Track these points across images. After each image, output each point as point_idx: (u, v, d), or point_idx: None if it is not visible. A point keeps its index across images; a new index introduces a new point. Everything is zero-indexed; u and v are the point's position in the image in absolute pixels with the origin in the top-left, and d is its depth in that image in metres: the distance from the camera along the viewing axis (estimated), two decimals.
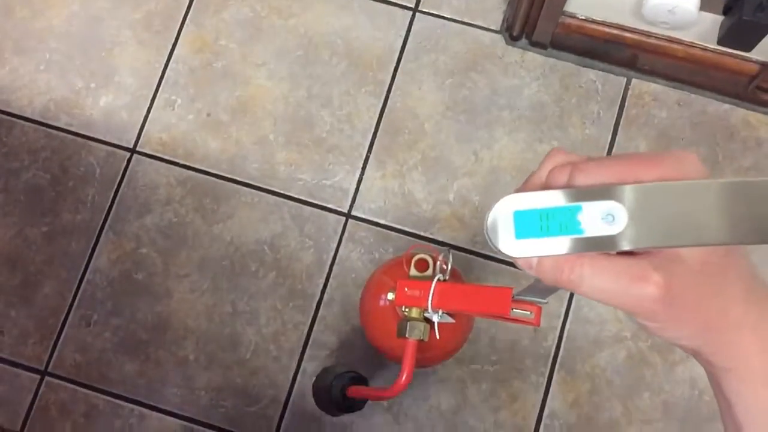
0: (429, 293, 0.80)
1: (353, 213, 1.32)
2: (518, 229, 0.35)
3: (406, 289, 0.83)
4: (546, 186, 0.37)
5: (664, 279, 0.33)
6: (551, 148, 0.38)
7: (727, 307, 0.36)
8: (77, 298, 1.31)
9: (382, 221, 1.31)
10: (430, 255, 0.90)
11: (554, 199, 0.34)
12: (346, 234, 1.31)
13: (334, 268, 1.30)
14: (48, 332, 1.30)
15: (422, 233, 1.31)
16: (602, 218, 0.33)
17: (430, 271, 0.89)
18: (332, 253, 1.31)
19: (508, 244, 0.35)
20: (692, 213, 0.33)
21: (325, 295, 1.29)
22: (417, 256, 0.91)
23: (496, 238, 0.35)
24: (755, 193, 0.33)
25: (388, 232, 1.31)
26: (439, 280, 0.82)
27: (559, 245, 0.34)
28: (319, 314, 1.29)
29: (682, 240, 0.33)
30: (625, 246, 0.33)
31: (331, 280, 1.30)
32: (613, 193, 0.33)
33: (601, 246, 0.33)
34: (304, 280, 1.30)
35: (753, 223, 0.32)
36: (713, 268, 0.35)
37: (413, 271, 0.91)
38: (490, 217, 0.35)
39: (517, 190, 0.37)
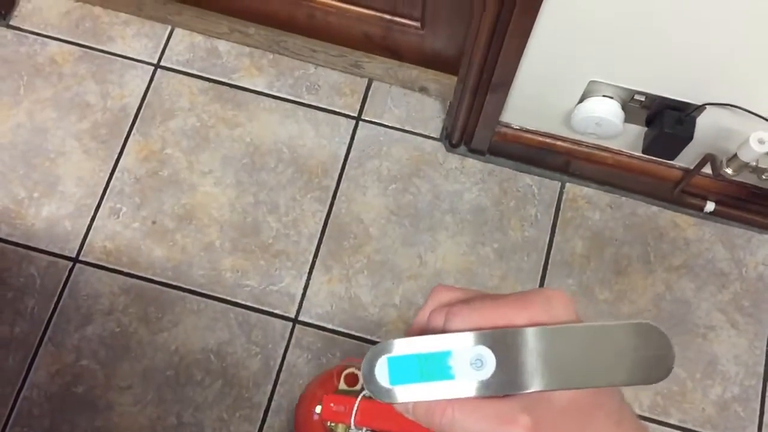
0: (353, 410, 0.79)
1: (300, 318, 1.32)
2: (393, 375, 0.35)
3: (331, 404, 0.82)
4: (425, 329, 0.38)
5: (531, 420, 0.34)
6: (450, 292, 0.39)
7: None
8: (12, 415, 1.26)
9: (329, 326, 1.32)
10: (359, 369, 0.89)
11: (426, 345, 0.35)
12: (293, 340, 1.31)
13: (282, 374, 1.29)
14: None
15: (369, 337, 1.31)
16: (471, 363, 0.34)
17: (359, 386, 0.88)
18: (279, 360, 1.30)
19: (383, 390, 0.35)
20: (558, 356, 0.34)
21: (273, 403, 1.28)
22: (346, 371, 0.90)
23: (371, 384, 0.35)
24: (614, 337, 0.34)
25: (336, 336, 1.31)
26: (365, 396, 0.80)
27: (431, 391, 0.35)
28: (267, 423, 1.27)
29: (548, 384, 0.34)
30: (492, 392, 0.34)
31: (278, 387, 1.29)
32: (481, 339, 0.34)
33: (469, 391, 0.34)
34: (251, 388, 1.28)
35: (616, 365, 0.34)
36: (582, 406, 0.36)
37: (342, 385, 0.89)
38: (366, 363, 0.35)
39: (406, 332, 0.39)
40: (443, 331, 0.36)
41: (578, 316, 0.36)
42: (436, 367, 0.35)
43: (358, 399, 0.80)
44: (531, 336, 0.34)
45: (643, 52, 1.01)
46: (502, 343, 0.34)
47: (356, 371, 0.90)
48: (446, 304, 0.37)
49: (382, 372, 0.35)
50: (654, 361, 0.34)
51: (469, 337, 0.34)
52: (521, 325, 0.34)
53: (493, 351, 0.34)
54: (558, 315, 0.35)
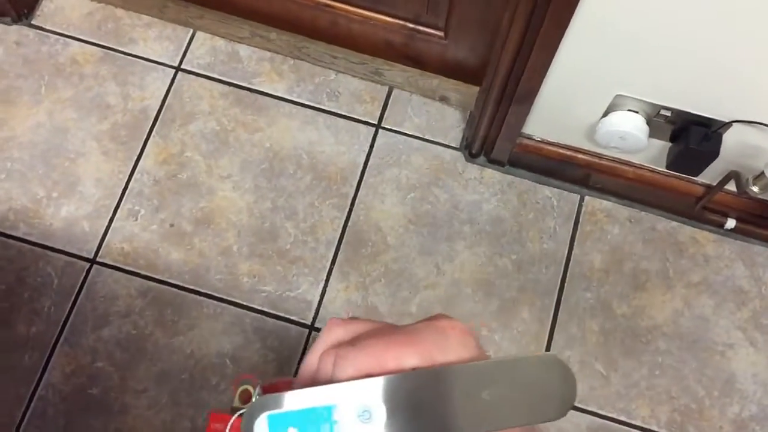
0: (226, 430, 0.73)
1: (316, 325, 1.32)
2: None
3: (215, 423, 0.75)
4: (314, 375, 0.34)
5: None
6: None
7: None
8: (27, 414, 1.26)
9: None
10: (251, 385, 0.83)
11: (308, 399, 0.32)
12: (308, 347, 1.31)
13: None
14: None
15: None
16: (359, 416, 0.31)
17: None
18: (295, 367, 1.30)
19: None
20: (454, 400, 0.31)
21: None
22: (241, 387, 0.84)
23: None
24: (514, 374, 0.32)
25: None
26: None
27: None
28: None
29: None
30: None
31: None
32: (367, 389, 0.31)
33: None
34: None
35: (518, 405, 0.32)
36: None
37: (236, 402, 0.83)
38: (245, 420, 0.32)
39: (298, 376, 0.36)
40: (331, 379, 0.33)
41: (478, 347, 0.33)
42: (320, 422, 0.31)
43: (233, 418, 0.73)
44: (420, 380, 0.31)
45: (672, 67, 1.00)
46: (391, 390, 0.31)
47: (250, 388, 0.81)
48: (336, 345, 0.34)
49: (261, 429, 0.32)
50: (554, 397, 0.32)
51: (355, 386, 0.31)
52: (411, 367, 0.31)
53: (383, 400, 0.31)
54: (454, 350, 0.32)
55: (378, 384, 0.31)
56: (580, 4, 0.91)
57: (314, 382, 0.34)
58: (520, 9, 0.98)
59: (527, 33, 1.02)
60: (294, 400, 0.32)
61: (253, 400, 0.60)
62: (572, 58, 1.05)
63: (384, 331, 0.34)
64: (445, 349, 0.32)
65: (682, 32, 0.93)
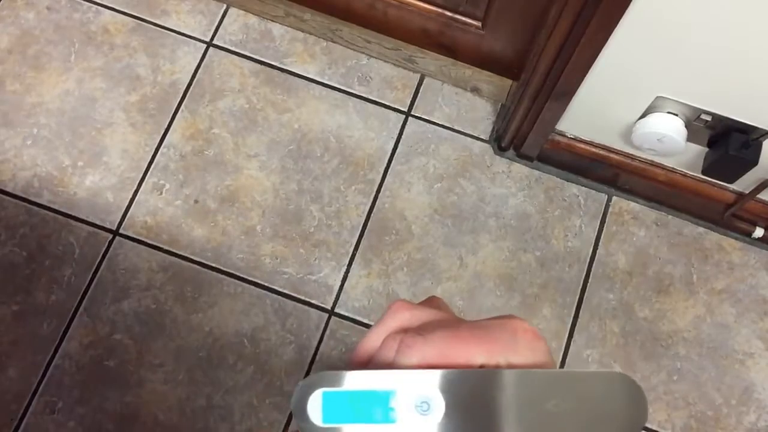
0: None
1: (336, 310, 1.31)
2: (326, 411, 0.31)
3: None
4: (375, 357, 0.33)
5: None
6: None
7: None
8: (43, 383, 1.26)
9: (365, 320, 1.31)
10: None
11: (368, 381, 0.30)
12: (328, 331, 1.30)
13: (314, 365, 1.29)
14: (8, 419, 1.23)
15: None
16: (416, 406, 0.30)
17: None
18: (313, 351, 1.29)
19: (314, 428, 0.31)
20: (517, 406, 0.30)
21: None
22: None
23: (302, 420, 0.31)
24: (581, 388, 0.30)
25: None
26: None
27: None
28: None
29: None
30: None
31: None
32: (430, 379, 0.30)
33: None
34: (282, 377, 1.28)
35: (584, 420, 0.30)
36: None
37: None
38: (297, 395, 0.31)
39: (353, 353, 0.35)
40: (393, 363, 0.32)
41: (547, 353, 0.32)
42: (376, 407, 0.30)
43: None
44: (486, 379, 0.30)
45: (717, 71, 0.99)
46: (453, 385, 0.30)
47: None
48: (402, 330, 0.33)
49: (314, 407, 0.31)
50: (622, 419, 0.30)
51: (418, 376, 0.30)
52: (478, 366, 0.30)
53: (443, 394, 0.30)
54: (523, 353, 0.31)
55: (442, 377, 0.30)
56: (632, 2, 0.90)
57: (373, 364, 0.33)
58: (570, 4, 0.97)
59: (574, 29, 1.00)
60: (352, 379, 0.31)
61: None
62: (616, 57, 1.04)
63: (453, 324, 0.33)
64: (514, 351, 0.31)
65: (731, 36, 0.92)
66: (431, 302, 0.38)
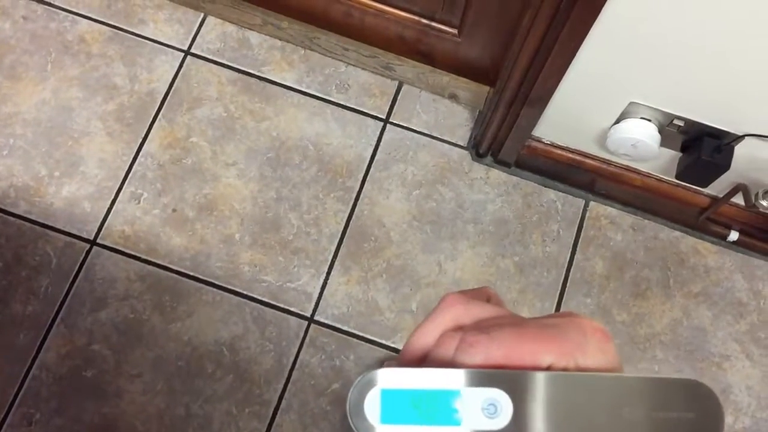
0: None
1: (316, 318, 1.31)
2: (385, 411, 0.29)
3: None
4: (430, 354, 0.31)
5: None
6: (445, 296, 0.33)
7: None
8: (20, 394, 1.25)
9: (344, 327, 1.31)
10: None
11: (430, 379, 0.29)
12: (307, 339, 1.30)
13: (294, 373, 1.28)
14: None
15: (384, 341, 1.31)
16: (483, 408, 0.28)
17: None
18: (292, 358, 1.29)
19: (371, 429, 0.29)
20: (589, 412, 0.28)
21: (283, 401, 1.27)
22: None
23: (358, 419, 0.29)
24: (657, 394, 0.29)
25: (350, 338, 1.30)
26: None
27: None
28: (276, 421, 1.26)
29: None
30: None
31: (290, 385, 1.28)
32: (498, 380, 0.28)
33: None
34: (262, 385, 1.27)
35: (659, 429, 0.28)
36: None
37: None
38: (355, 393, 0.29)
39: (403, 350, 0.33)
40: (452, 362, 0.30)
41: (616, 355, 0.30)
42: (439, 408, 0.28)
43: None
44: (559, 382, 0.28)
45: (689, 77, 1.00)
46: (524, 388, 0.28)
47: None
48: (457, 327, 0.31)
49: (372, 406, 0.29)
50: (698, 428, 0.29)
51: (484, 376, 0.28)
52: (546, 367, 0.29)
53: (511, 396, 0.28)
54: (592, 355, 0.29)
55: (510, 378, 0.28)
56: (603, 9, 0.91)
57: (429, 362, 0.31)
58: (542, 11, 0.98)
59: (547, 36, 1.01)
60: (413, 378, 0.29)
61: None
62: (589, 63, 1.05)
63: (516, 321, 0.31)
64: (584, 352, 0.29)
65: (703, 44, 0.93)
66: (482, 293, 0.36)
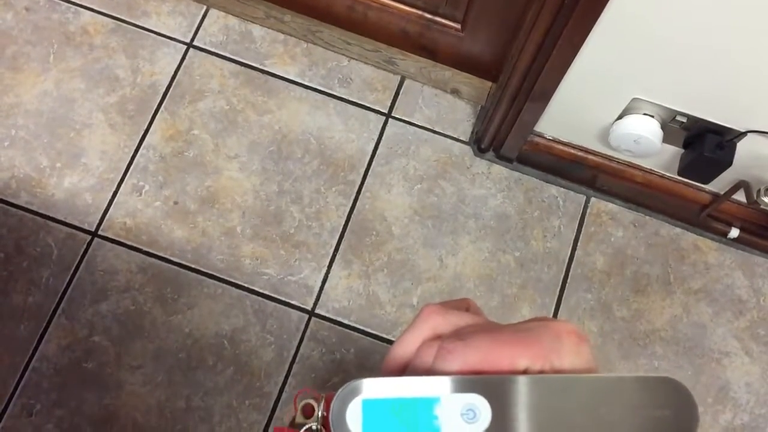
0: None
1: (317, 311, 1.31)
2: (367, 421, 0.29)
3: None
4: (411, 363, 0.32)
5: None
6: (424, 306, 0.35)
7: None
8: (20, 385, 1.25)
9: (345, 321, 1.31)
10: (314, 399, 0.78)
11: (410, 388, 0.29)
12: (308, 332, 1.30)
13: (294, 366, 1.29)
14: None
15: (385, 335, 1.31)
16: (462, 414, 0.29)
17: (314, 419, 0.79)
18: (293, 351, 1.29)
19: None
20: (565, 414, 0.29)
21: (284, 394, 1.27)
22: (302, 402, 0.81)
23: (340, 429, 0.29)
24: (631, 393, 0.29)
25: (351, 332, 1.31)
26: (311, 429, 0.71)
27: None
28: (276, 413, 1.26)
29: None
30: None
31: (290, 378, 1.28)
32: (476, 385, 0.29)
33: None
34: (262, 378, 1.28)
35: (635, 426, 0.29)
36: None
37: (299, 417, 0.80)
38: (337, 403, 0.29)
39: (385, 361, 0.33)
40: (431, 370, 0.30)
41: (591, 357, 0.31)
42: (419, 415, 0.29)
43: None
44: (535, 385, 0.29)
45: (692, 74, 1.00)
46: (501, 392, 0.29)
47: (312, 402, 0.78)
48: (436, 336, 0.32)
49: (354, 416, 0.29)
50: (671, 424, 0.29)
51: (462, 382, 0.29)
52: (522, 370, 0.29)
53: (489, 401, 0.29)
54: (567, 357, 0.30)
55: (487, 383, 0.29)
56: (608, 5, 0.91)
57: (410, 371, 0.32)
58: (546, 6, 0.98)
59: (551, 31, 1.01)
60: (393, 387, 0.30)
61: (317, 414, 0.59)
62: (593, 59, 1.05)
63: (491, 327, 0.32)
64: (559, 354, 0.30)
65: (707, 40, 0.93)
66: (461, 304, 0.37)
